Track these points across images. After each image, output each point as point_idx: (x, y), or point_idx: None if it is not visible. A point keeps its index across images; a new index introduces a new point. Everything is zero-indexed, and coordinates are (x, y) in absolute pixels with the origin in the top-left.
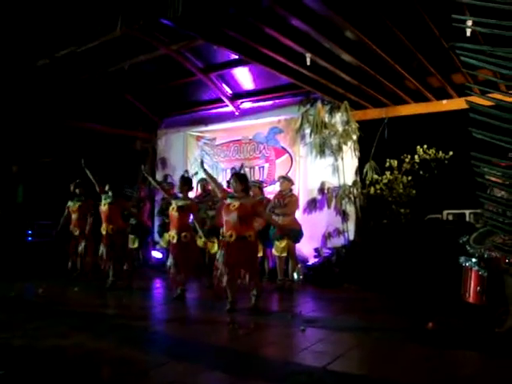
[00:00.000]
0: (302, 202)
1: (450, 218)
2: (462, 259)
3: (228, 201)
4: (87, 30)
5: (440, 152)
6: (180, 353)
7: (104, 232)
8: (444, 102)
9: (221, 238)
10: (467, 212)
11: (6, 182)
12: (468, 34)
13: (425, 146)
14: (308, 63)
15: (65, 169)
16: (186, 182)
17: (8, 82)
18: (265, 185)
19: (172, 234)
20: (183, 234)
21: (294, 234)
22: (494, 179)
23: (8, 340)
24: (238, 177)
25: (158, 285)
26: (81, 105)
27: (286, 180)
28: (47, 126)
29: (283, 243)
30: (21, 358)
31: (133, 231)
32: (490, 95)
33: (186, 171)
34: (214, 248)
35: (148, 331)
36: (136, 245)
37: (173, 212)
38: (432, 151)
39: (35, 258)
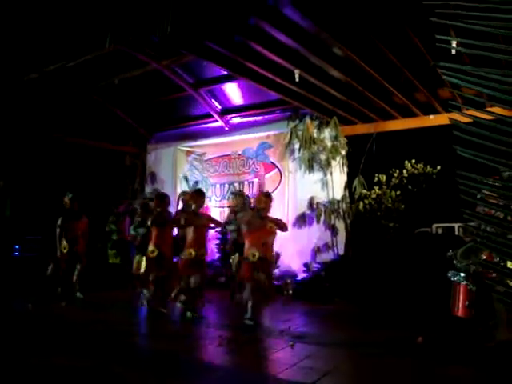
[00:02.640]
0: (291, 216)
1: (440, 231)
2: (450, 273)
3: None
4: (77, 45)
5: (428, 166)
6: (169, 369)
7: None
8: (431, 117)
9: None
10: (456, 225)
11: None
12: (453, 51)
13: (413, 161)
14: (297, 79)
15: (52, 183)
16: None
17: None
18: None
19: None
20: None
21: None
22: (486, 195)
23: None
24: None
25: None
26: (70, 119)
27: (239, 196)
28: (36, 140)
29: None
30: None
31: (113, 247)
32: (468, 112)
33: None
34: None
35: (135, 347)
36: (117, 260)
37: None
38: (420, 166)
39: (22, 273)
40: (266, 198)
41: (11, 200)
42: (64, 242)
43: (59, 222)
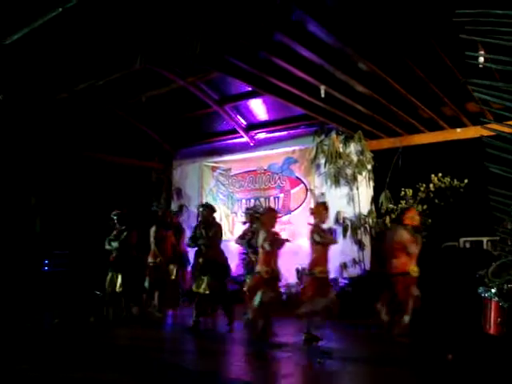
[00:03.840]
0: None
1: (467, 245)
2: (481, 289)
3: None
4: (107, 64)
5: (455, 180)
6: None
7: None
8: (458, 130)
9: None
10: (485, 239)
11: (24, 212)
12: (480, 66)
13: (439, 175)
14: (322, 95)
15: (80, 199)
16: None
17: (27, 115)
18: (280, 215)
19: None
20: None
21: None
22: None
23: (26, 372)
24: None
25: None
26: (97, 136)
27: (208, 208)
28: (64, 157)
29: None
30: None
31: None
32: (498, 127)
33: None
34: None
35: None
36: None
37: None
38: (447, 179)
39: (51, 287)
40: (326, 209)
41: (41, 216)
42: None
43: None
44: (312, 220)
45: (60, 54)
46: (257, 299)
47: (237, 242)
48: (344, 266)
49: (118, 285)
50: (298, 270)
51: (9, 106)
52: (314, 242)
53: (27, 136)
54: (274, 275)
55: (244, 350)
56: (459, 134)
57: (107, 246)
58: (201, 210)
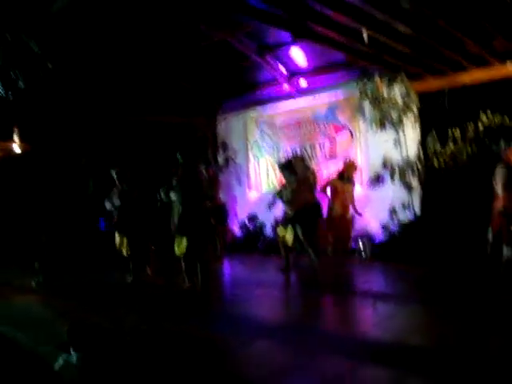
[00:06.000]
0: (365, 177)
1: None
2: None
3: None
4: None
5: (507, 118)
6: (259, 331)
7: None
8: (508, 63)
9: None
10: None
11: (76, 174)
12: None
13: (488, 113)
14: (366, 40)
15: (131, 160)
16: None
17: (76, 82)
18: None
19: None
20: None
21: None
22: None
23: (98, 322)
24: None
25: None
26: (141, 98)
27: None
28: (111, 120)
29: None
30: (109, 339)
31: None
32: None
33: None
34: None
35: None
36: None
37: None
38: (497, 117)
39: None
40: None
41: (93, 178)
42: None
43: None
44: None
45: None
46: None
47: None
48: (394, 210)
49: (125, 248)
50: None
51: (58, 73)
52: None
53: (76, 101)
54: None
55: None
56: (509, 69)
57: (107, 206)
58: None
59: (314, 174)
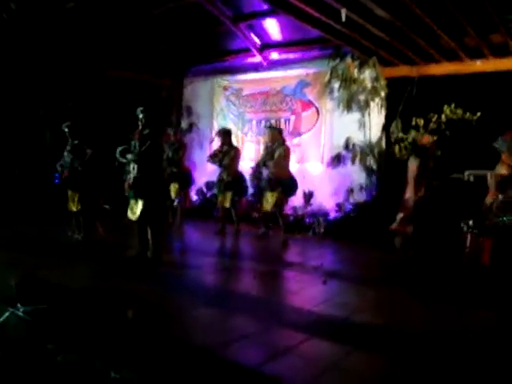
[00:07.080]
0: (327, 156)
1: (471, 178)
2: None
3: None
4: None
5: (468, 113)
6: (208, 298)
7: None
8: (478, 62)
9: None
10: (489, 174)
11: (33, 125)
12: None
13: (452, 106)
14: (343, 19)
15: (91, 113)
16: None
17: (36, 26)
18: (290, 137)
19: None
20: None
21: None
22: None
23: (47, 277)
24: None
25: None
26: (108, 51)
27: (274, 130)
28: (73, 71)
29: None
30: (58, 295)
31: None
32: None
33: None
34: None
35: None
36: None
37: None
38: (459, 111)
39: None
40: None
41: (51, 131)
42: None
43: None
44: None
45: None
46: None
47: (208, 161)
48: (351, 191)
49: (76, 204)
50: (304, 193)
51: (21, 16)
52: None
53: (35, 48)
54: None
55: None
56: (479, 66)
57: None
58: (267, 131)
59: (287, 148)
